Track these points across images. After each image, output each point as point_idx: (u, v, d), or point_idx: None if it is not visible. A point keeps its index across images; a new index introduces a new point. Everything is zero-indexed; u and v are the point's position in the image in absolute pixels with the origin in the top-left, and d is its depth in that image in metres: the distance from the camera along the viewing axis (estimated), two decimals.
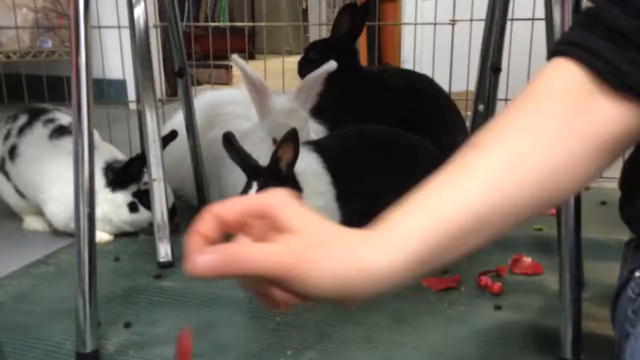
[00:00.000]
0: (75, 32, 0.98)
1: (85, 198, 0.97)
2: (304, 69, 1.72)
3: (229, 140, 1.24)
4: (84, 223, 0.97)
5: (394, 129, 1.40)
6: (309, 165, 1.28)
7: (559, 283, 0.96)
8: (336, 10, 5.28)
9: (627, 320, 0.64)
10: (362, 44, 4.15)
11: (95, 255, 0.98)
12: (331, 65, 1.42)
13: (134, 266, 1.34)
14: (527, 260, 1.29)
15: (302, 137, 1.39)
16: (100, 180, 1.45)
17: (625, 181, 0.69)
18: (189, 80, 1.48)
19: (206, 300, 1.16)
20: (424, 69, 2.59)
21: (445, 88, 2.07)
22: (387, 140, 1.36)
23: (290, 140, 1.17)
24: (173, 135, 1.48)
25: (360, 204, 1.25)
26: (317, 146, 1.33)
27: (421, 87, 1.70)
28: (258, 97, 1.42)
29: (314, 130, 1.52)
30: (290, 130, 1.17)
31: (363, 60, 4.15)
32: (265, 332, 1.05)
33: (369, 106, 1.68)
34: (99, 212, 1.45)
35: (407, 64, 2.69)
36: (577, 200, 0.94)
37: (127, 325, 1.07)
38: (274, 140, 1.42)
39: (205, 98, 1.73)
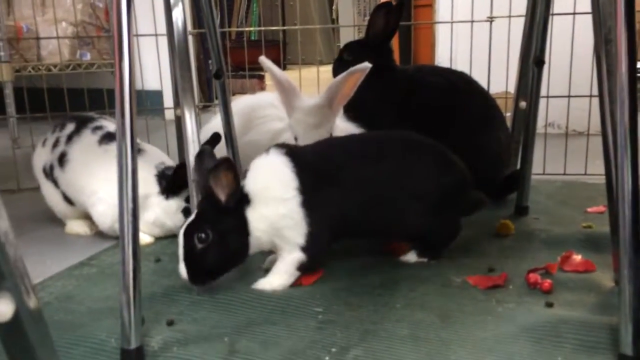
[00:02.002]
0: (118, 40, 0.98)
1: (129, 195, 0.97)
2: (338, 69, 1.71)
3: (200, 158, 1.21)
4: (128, 219, 0.97)
5: (399, 135, 1.29)
6: (275, 170, 1.20)
7: (618, 278, 0.92)
8: (367, 18, 5.30)
9: None
10: (394, 45, 4.15)
11: (139, 252, 0.97)
12: (364, 66, 1.38)
13: (175, 267, 1.33)
14: (578, 257, 1.24)
15: (323, 135, 1.39)
16: (154, 187, 1.49)
17: None
18: (226, 81, 1.48)
19: (247, 299, 1.15)
20: (459, 69, 2.56)
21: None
22: (376, 148, 1.25)
23: (224, 168, 1.11)
24: (216, 137, 1.50)
25: (331, 213, 1.19)
26: (289, 150, 1.23)
27: (459, 84, 1.67)
28: (286, 97, 1.43)
29: (345, 129, 1.51)
30: (222, 158, 1.13)
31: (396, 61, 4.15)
32: (308, 330, 1.03)
33: (406, 106, 1.65)
34: (151, 215, 1.48)
35: (441, 65, 2.65)
36: (635, 192, 0.90)
37: (170, 323, 1.07)
38: (295, 138, 1.42)
39: (241, 102, 1.74)
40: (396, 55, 4.33)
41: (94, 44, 3.15)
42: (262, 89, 4.21)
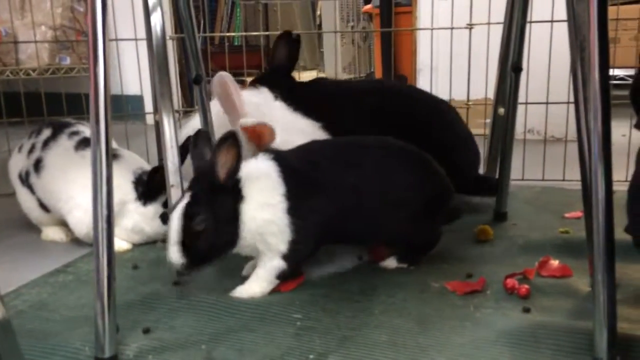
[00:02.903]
0: (93, 44, 0.97)
1: (104, 201, 0.96)
2: None
3: (196, 139, 1.18)
4: (102, 226, 0.96)
5: (384, 142, 1.29)
6: (261, 174, 1.17)
7: (592, 283, 0.93)
8: (350, 24, 5.32)
9: None
10: (376, 53, 4.16)
11: (113, 260, 0.96)
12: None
13: (153, 274, 1.32)
14: (555, 262, 1.25)
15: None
16: (131, 193, 1.47)
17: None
18: (205, 86, 1.47)
19: (225, 306, 1.14)
20: (440, 76, 2.58)
21: (463, 95, 2.05)
22: (361, 155, 1.25)
23: (230, 143, 1.07)
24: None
25: (317, 220, 1.17)
26: (278, 155, 1.21)
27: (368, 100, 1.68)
28: (232, 119, 1.44)
29: (291, 120, 1.53)
30: (230, 131, 1.08)
31: (378, 70, 4.16)
32: (286, 336, 1.02)
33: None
34: (129, 222, 1.47)
35: (423, 72, 2.67)
36: (608, 198, 0.91)
37: (146, 331, 1.05)
38: None
39: (218, 106, 1.73)
40: (378, 62, 4.35)
41: (74, 48, 3.11)
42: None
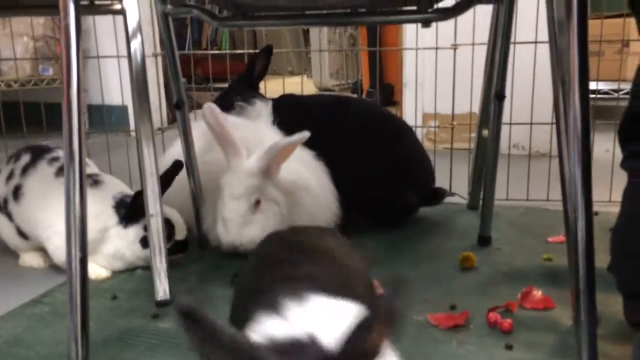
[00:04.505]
0: (66, 62, 0.96)
1: (78, 240, 0.94)
2: (222, 105, 1.72)
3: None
4: (76, 266, 0.94)
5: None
6: None
7: (574, 322, 0.92)
8: (337, 31, 5.30)
9: None
10: (364, 61, 4.16)
11: (87, 301, 0.94)
12: (304, 135, 1.40)
13: (132, 305, 1.30)
14: (538, 293, 1.24)
15: (243, 207, 1.41)
16: (112, 218, 1.44)
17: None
18: (186, 112, 1.45)
19: None
20: (426, 91, 2.57)
21: (449, 109, 2.05)
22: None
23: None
24: (178, 166, 1.47)
25: None
26: None
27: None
28: (226, 153, 1.43)
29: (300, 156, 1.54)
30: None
31: (365, 77, 4.15)
32: None
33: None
34: (111, 248, 1.44)
35: (409, 86, 2.67)
36: (589, 222, 0.90)
37: None
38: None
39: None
40: (365, 70, 4.33)
41: (57, 58, 3.07)
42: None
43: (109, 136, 2.25)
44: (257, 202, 1.42)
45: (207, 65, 2.25)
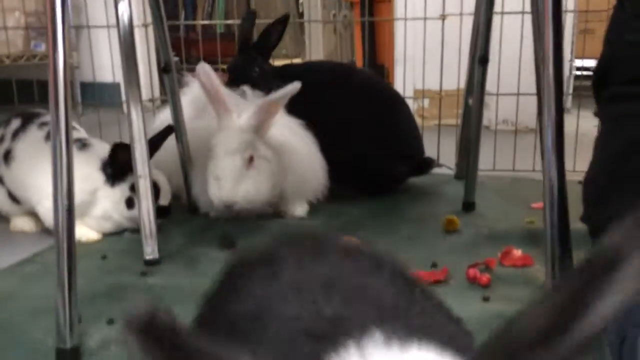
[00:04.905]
0: (52, 29, 0.97)
1: (64, 192, 0.96)
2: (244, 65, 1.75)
3: None
4: (63, 218, 0.96)
5: None
6: None
7: (546, 273, 0.95)
8: (333, 12, 5.29)
9: None
10: (357, 42, 4.16)
11: (74, 250, 0.97)
12: (295, 86, 1.42)
13: (121, 264, 1.33)
14: (517, 252, 1.27)
15: (238, 163, 1.42)
16: (100, 178, 1.46)
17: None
18: (175, 76, 1.47)
19: (192, 296, 1.14)
20: (416, 67, 2.58)
21: (436, 86, 2.06)
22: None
23: None
24: (169, 130, 1.49)
25: None
26: None
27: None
28: (217, 110, 1.45)
29: (286, 123, 1.56)
30: None
31: (359, 59, 4.16)
32: None
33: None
34: (99, 209, 1.46)
35: (399, 62, 2.67)
36: (562, 190, 0.93)
37: (110, 322, 1.06)
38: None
39: (197, 88, 1.72)
40: (359, 51, 4.33)
41: None
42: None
43: (101, 113, 2.27)
44: (250, 159, 1.44)
45: (205, 46, 2.25)
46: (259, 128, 1.44)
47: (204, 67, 1.43)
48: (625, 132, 0.73)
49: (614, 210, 0.74)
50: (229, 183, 1.42)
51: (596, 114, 1.01)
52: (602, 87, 0.81)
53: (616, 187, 0.73)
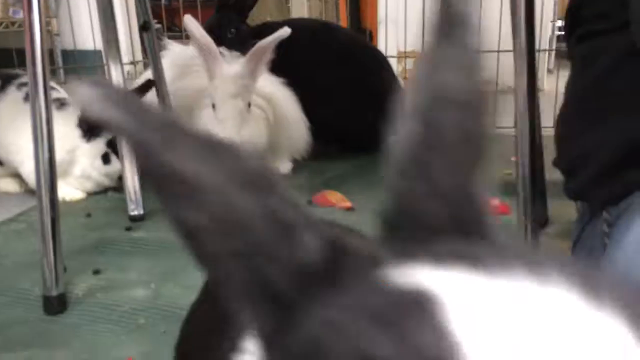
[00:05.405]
0: None
1: (45, 142, 0.97)
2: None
3: None
4: (44, 167, 0.97)
5: None
6: None
7: (518, 219, 0.98)
8: None
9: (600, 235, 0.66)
10: (341, 7, 4.13)
11: (57, 203, 0.98)
12: (285, 31, 1.43)
13: (106, 220, 1.34)
14: (494, 201, 1.30)
15: (241, 105, 1.44)
16: (77, 136, 1.47)
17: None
18: (154, 34, 1.46)
19: (175, 248, 1.16)
20: (399, 29, 2.58)
21: (419, 47, 2.07)
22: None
23: None
24: (149, 84, 1.49)
25: None
26: None
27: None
28: (207, 62, 1.45)
29: (270, 84, 1.56)
30: None
31: (343, 23, 4.13)
32: None
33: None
34: (78, 169, 1.47)
35: (382, 25, 2.67)
36: (532, 142, 0.96)
37: (96, 272, 1.08)
38: (213, 105, 1.45)
39: (177, 49, 1.72)
40: (343, 16, 4.30)
41: None
42: None
43: (83, 79, 2.25)
44: (248, 105, 1.46)
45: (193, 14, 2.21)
46: (252, 74, 1.45)
47: (190, 18, 1.44)
48: (591, 69, 0.75)
49: (582, 145, 0.76)
50: (232, 125, 1.42)
51: (569, 57, 1.02)
52: (573, 30, 0.83)
53: (583, 124, 0.75)
